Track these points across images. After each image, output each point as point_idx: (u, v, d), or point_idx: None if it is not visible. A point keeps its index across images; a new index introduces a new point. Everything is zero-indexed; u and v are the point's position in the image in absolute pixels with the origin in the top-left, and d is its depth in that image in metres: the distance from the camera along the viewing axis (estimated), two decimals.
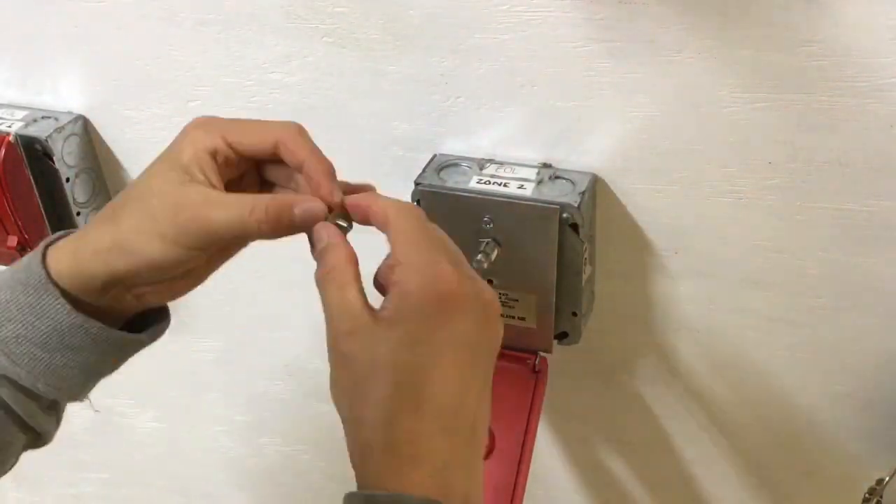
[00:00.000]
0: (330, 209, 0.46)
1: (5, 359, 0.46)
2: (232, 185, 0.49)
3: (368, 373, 0.41)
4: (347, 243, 0.46)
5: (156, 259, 0.45)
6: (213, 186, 0.46)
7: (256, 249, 0.82)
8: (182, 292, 0.50)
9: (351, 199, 0.47)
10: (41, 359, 0.46)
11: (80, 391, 0.49)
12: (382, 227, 0.46)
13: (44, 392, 0.47)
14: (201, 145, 0.46)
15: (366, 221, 0.47)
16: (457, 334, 0.41)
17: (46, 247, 0.47)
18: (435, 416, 0.40)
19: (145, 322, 0.51)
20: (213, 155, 0.47)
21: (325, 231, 0.46)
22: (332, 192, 0.47)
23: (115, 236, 0.46)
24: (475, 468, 0.41)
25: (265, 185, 0.50)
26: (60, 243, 0.48)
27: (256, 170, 0.50)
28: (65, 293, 0.46)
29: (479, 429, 0.42)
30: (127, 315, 0.50)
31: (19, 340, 0.46)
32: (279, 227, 0.46)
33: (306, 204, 0.46)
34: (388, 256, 0.45)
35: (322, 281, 0.45)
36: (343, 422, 0.43)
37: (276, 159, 0.48)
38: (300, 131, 0.48)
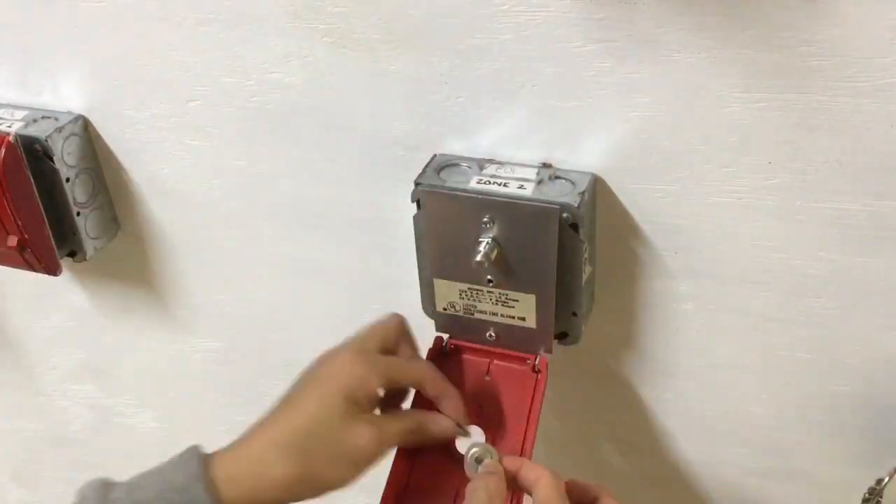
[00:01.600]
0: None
1: None
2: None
3: None
4: (503, 478, 0.54)
5: (342, 483, 0.52)
6: (369, 411, 0.56)
7: (256, 249, 0.83)
8: None
9: (507, 458, 0.56)
10: None
11: None
12: (530, 486, 0.53)
13: None
14: (370, 384, 0.55)
15: (513, 475, 0.55)
16: None
17: (206, 461, 0.49)
18: None
19: None
20: (376, 392, 0.56)
21: (493, 465, 0.55)
22: (464, 418, 0.59)
23: (306, 471, 0.50)
24: None
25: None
26: (225, 465, 0.49)
27: None
28: None
29: None
30: None
31: None
32: (418, 442, 0.58)
33: (441, 422, 0.59)
34: None
35: (478, 493, 0.51)
36: None
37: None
38: (432, 369, 0.60)
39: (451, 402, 0.59)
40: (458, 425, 0.59)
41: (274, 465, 0.49)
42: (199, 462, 0.48)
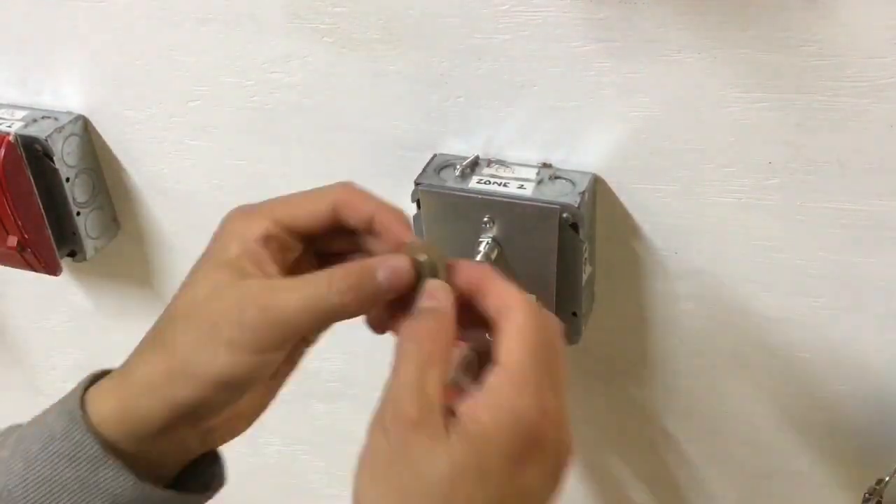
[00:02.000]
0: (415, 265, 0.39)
1: None
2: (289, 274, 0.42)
3: (422, 489, 0.34)
4: (454, 316, 0.39)
5: (226, 374, 0.38)
6: (272, 277, 0.40)
7: None
8: (252, 418, 0.45)
9: (462, 268, 0.40)
10: None
11: None
12: (494, 313, 0.39)
13: None
14: (249, 235, 0.40)
15: (468, 300, 0.39)
16: (527, 483, 0.36)
17: (82, 401, 0.40)
18: None
19: (195, 474, 0.44)
20: (265, 242, 0.41)
21: (444, 294, 0.39)
22: (415, 238, 0.41)
23: (170, 362, 0.39)
24: None
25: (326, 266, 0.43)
26: (97, 391, 0.41)
27: (312, 252, 0.44)
28: (126, 461, 0.39)
29: None
30: (181, 465, 0.43)
31: None
32: (364, 297, 0.39)
33: (389, 262, 0.39)
34: (493, 353, 0.38)
35: (407, 343, 0.38)
36: None
37: (334, 229, 0.42)
38: (353, 185, 0.42)
39: (391, 213, 0.41)
40: (412, 256, 0.40)
41: (134, 371, 0.40)
42: (78, 396, 0.40)
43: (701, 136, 0.57)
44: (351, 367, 0.83)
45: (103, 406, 0.40)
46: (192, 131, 0.72)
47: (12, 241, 0.74)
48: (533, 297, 0.39)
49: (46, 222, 0.75)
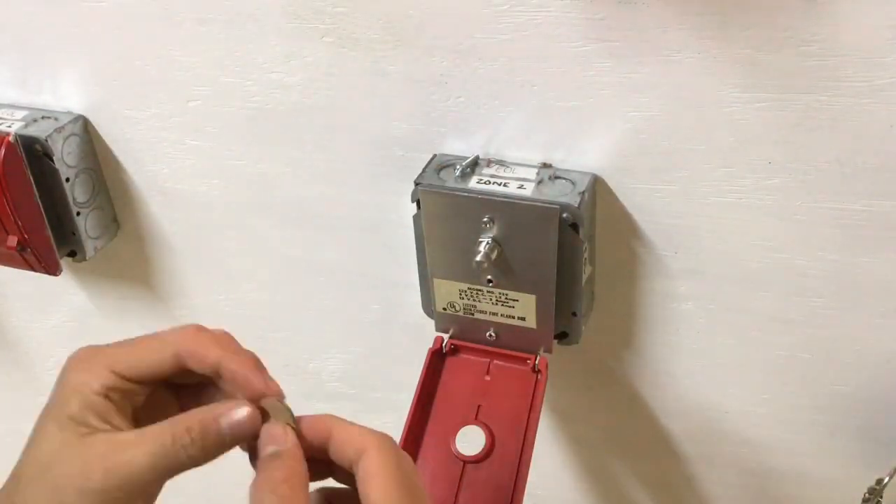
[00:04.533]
0: (262, 410, 0.39)
1: None
2: (143, 414, 0.41)
3: None
4: (301, 454, 0.39)
5: None
6: (118, 429, 0.39)
7: (256, 249, 0.83)
8: None
9: (307, 421, 0.40)
10: None
11: None
12: (349, 457, 0.38)
13: None
14: (88, 389, 0.39)
15: (322, 447, 0.39)
16: None
17: None
18: None
19: None
20: (107, 394, 0.39)
21: (277, 433, 0.39)
22: (266, 386, 0.40)
23: None
24: None
25: (185, 394, 0.43)
26: None
27: (165, 387, 0.42)
28: None
29: None
30: None
31: None
32: (209, 449, 0.38)
33: (232, 414, 0.38)
34: (360, 497, 0.38)
35: (262, 489, 0.38)
36: None
37: (182, 373, 0.41)
38: (199, 330, 0.41)
39: (235, 360, 0.40)
40: (257, 403, 0.40)
41: None
42: None
43: (701, 136, 0.57)
44: (351, 367, 0.83)
45: None
46: (192, 131, 0.72)
47: (12, 241, 0.74)
48: (387, 435, 0.39)
49: (46, 222, 0.75)
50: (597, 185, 0.61)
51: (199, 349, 0.40)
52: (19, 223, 0.73)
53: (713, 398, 0.71)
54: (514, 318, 0.64)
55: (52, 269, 0.78)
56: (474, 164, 0.62)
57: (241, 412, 0.39)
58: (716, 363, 0.68)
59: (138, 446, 0.37)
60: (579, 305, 0.63)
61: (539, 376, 0.64)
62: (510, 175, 0.61)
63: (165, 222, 0.80)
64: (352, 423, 0.39)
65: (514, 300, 0.63)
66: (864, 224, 0.57)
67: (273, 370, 0.92)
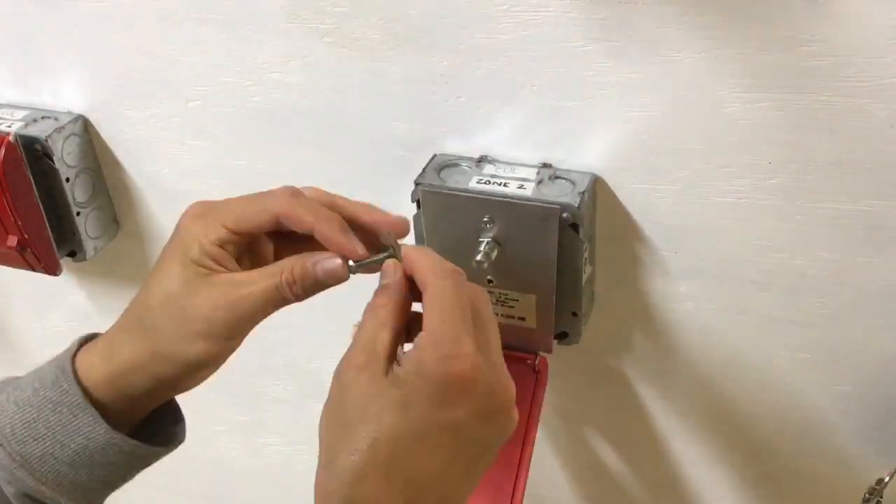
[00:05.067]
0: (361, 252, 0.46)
1: (30, 478, 0.46)
2: (246, 258, 0.49)
3: (357, 418, 0.41)
4: (408, 291, 0.45)
5: (202, 359, 0.46)
6: (232, 271, 0.47)
7: None
8: (207, 377, 0.50)
9: (406, 255, 0.46)
10: (66, 475, 0.46)
11: (98, 502, 0.49)
12: (421, 287, 0.44)
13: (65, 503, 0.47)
14: (206, 239, 0.46)
15: (409, 272, 0.46)
16: (452, 420, 0.40)
17: (73, 359, 0.47)
18: (402, 488, 0.40)
19: (159, 421, 0.51)
20: (221, 244, 0.47)
21: (394, 272, 0.45)
22: (352, 249, 0.46)
23: (154, 348, 0.46)
24: None
25: (281, 240, 0.50)
26: (87, 355, 0.47)
27: (268, 235, 0.50)
28: (100, 410, 0.46)
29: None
30: (143, 414, 0.50)
31: (45, 458, 0.46)
32: (308, 288, 0.46)
33: (325, 262, 0.46)
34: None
35: (367, 311, 0.45)
36: (320, 449, 0.43)
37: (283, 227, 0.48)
38: (295, 195, 0.47)
39: (326, 225, 0.46)
40: (347, 258, 0.46)
41: (122, 348, 0.47)
42: (70, 355, 0.47)
43: (701, 136, 0.57)
44: None
45: (92, 373, 0.47)
46: (192, 131, 0.72)
47: (12, 241, 0.74)
48: (458, 269, 0.44)
49: (46, 222, 0.75)
50: (597, 185, 0.61)
51: (295, 213, 0.46)
52: (19, 223, 0.73)
53: (713, 398, 0.71)
54: (514, 318, 0.64)
55: (52, 269, 0.78)
56: (480, 162, 0.62)
57: (333, 262, 0.46)
58: (715, 363, 0.68)
59: (254, 284, 0.45)
60: (579, 305, 0.63)
61: (539, 376, 0.64)
62: (510, 175, 0.61)
63: (165, 222, 0.80)
64: (429, 256, 0.45)
65: (514, 300, 0.63)
66: (864, 224, 0.57)
67: (273, 370, 0.92)
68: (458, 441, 0.41)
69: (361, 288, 0.70)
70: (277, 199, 0.47)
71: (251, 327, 0.47)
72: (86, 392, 0.46)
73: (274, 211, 0.47)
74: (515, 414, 0.43)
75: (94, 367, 0.47)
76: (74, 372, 0.47)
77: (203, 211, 0.48)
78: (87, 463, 0.47)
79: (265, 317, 0.48)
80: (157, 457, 0.50)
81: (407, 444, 0.40)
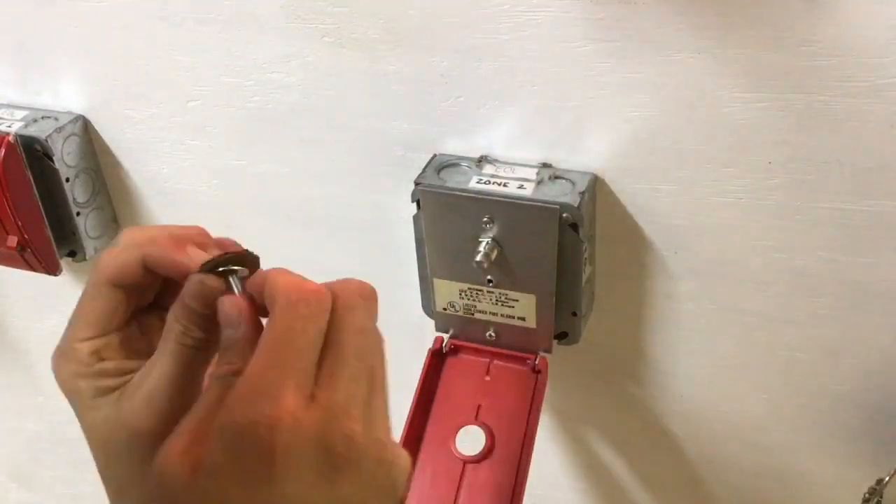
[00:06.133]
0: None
1: None
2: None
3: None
4: (256, 323, 0.35)
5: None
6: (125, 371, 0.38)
7: (256, 249, 0.82)
8: None
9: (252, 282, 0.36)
10: None
11: None
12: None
13: None
14: (70, 374, 0.39)
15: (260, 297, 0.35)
16: (280, 500, 0.30)
17: None
18: None
19: None
20: (97, 356, 0.39)
21: (237, 318, 0.34)
22: (189, 259, 0.37)
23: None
24: None
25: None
26: None
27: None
28: None
29: None
30: None
31: None
32: (195, 321, 0.36)
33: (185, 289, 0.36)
34: None
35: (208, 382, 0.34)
36: None
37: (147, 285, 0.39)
38: (119, 255, 0.38)
39: (155, 250, 0.37)
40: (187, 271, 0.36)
41: None
42: None
43: (701, 136, 0.57)
44: None
45: None
46: (192, 131, 0.72)
47: (12, 241, 0.74)
48: (318, 289, 0.35)
49: (46, 222, 0.75)
50: (597, 185, 0.61)
51: (120, 265, 0.38)
52: (19, 223, 0.73)
53: (713, 398, 0.71)
54: (514, 318, 0.64)
55: (52, 269, 0.78)
56: (480, 162, 0.62)
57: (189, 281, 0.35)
58: (715, 363, 0.68)
59: (153, 369, 0.36)
60: (579, 305, 0.63)
61: (539, 376, 0.64)
62: (510, 175, 0.61)
63: (165, 222, 0.80)
64: (285, 275, 0.35)
65: (514, 300, 0.63)
66: (864, 224, 0.57)
67: None
68: None
69: None
70: (101, 267, 0.39)
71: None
72: None
73: (103, 277, 0.38)
74: (388, 453, 0.33)
75: None
76: None
77: (58, 351, 0.40)
78: None
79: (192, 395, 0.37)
80: None
81: None
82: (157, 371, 0.35)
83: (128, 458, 0.34)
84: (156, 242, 0.37)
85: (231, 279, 0.35)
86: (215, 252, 0.37)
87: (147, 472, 0.32)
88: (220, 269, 0.35)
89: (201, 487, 0.30)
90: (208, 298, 0.35)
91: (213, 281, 0.35)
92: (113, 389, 0.36)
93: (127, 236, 0.38)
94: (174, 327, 0.35)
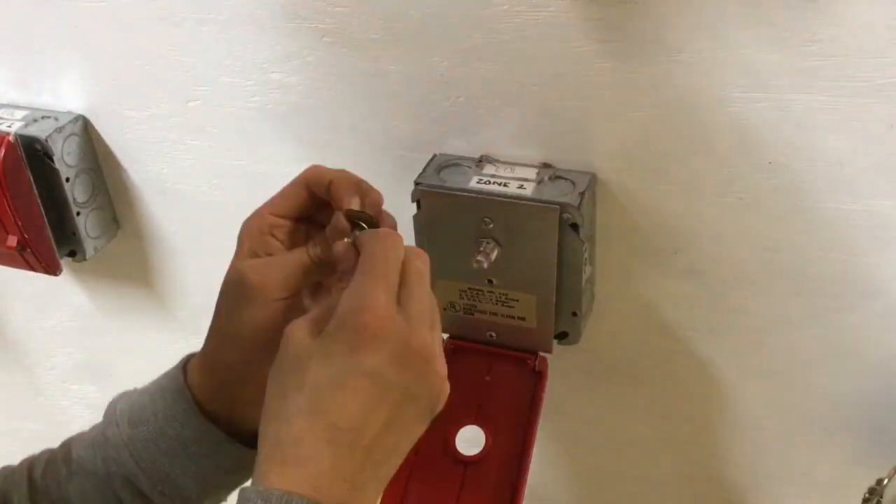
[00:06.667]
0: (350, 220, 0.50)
1: (132, 461, 0.50)
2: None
3: (290, 367, 0.44)
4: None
5: (255, 325, 0.49)
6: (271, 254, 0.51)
7: None
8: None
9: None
10: (162, 465, 0.50)
11: None
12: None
13: (159, 502, 0.51)
14: (255, 231, 0.52)
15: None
16: (367, 366, 0.42)
17: (188, 359, 0.53)
18: (324, 428, 0.42)
19: None
20: (270, 232, 0.52)
21: (345, 258, 0.48)
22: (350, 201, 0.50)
23: (220, 333, 0.51)
24: (363, 488, 0.42)
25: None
26: (193, 360, 0.53)
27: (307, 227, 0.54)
28: (196, 401, 0.51)
29: (376, 454, 0.43)
30: (247, 425, 0.52)
31: (147, 444, 0.50)
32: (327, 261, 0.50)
33: (334, 223, 0.50)
34: None
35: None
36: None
37: (316, 204, 0.52)
38: (322, 166, 0.52)
39: (340, 186, 0.51)
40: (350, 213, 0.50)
41: (205, 347, 0.52)
42: (186, 357, 0.53)
43: (701, 136, 0.57)
44: None
45: (194, 373, 0.52)
46: (192, 131, 0.72)
47: (12, 241, 0.74)
48: (391, 232, 0.48)
49: (46, 222, 0.75)
50: (597, 185, 0.61)
51: (317, 174, 0.51)
52: (19, 223, 0.73)
53: (713, 398, 0.70)
54: (514, 318, 0.64)
55: (52, 269, 0.78)
56: (479, 162, 0.62)
57: (340, 248, 0.49)
58: (715, 363, 0.68)
59: (289, 254, 0.51)
60: (579, 305, 0.63)
61: (539, 376, 0.64)
62: (510, 175, 0.61)
63: (165, 222, 0.80)
64: (374, 232, 0.48)
65: (514, 300, 0.63)
66: (864, 224, 0.57)
67: None
68: (376, 385, 0.42)
69: None
70: (306, 170, 0.52)
71: (287, 292, 0.49)
72: (190, 388, 0.51)
73: (303, 178, 0.52)
74: (439, 366, 0.45)
75: (194, 369, 0.52)
76: (184, 368, 0.52)
77: (254, 212, 0.53)
78: (181, 453, 0.50)
79: (302, 282, 0.51)
80: (248, 460, 0.50)
81: (327, 388, 0.42)
82: (292, 258, 0.50)
83: (241, 296, 0.49)
84: (340, 176, 0.51)
85: (354, 232, 0.49)
86: (367, 200, 0.50)
87: (244, 310, 0.49)
88: (352, 219, 0.49)
89: (315, 346, 0.43)
90: (336, 234, 0.49)
91: (343, 224, 0.49)
92: (258, 255, 0.51)
93: (326, 168, 0.52)
94: (311, 241, 0.51)
